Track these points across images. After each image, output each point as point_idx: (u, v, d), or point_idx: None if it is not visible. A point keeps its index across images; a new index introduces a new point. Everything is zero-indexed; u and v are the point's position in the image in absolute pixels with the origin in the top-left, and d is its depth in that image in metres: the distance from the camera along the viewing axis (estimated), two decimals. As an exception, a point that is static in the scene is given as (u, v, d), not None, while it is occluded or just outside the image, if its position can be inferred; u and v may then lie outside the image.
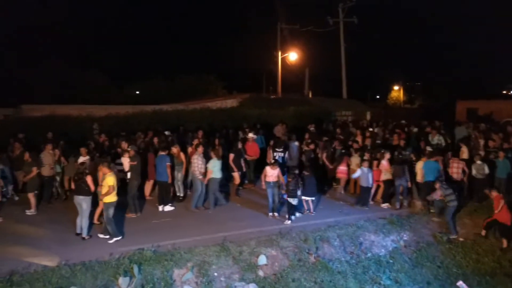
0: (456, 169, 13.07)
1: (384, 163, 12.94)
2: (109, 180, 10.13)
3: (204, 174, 12.49)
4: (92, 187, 10.31)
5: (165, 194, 12.65)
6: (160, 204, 12.56)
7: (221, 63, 51.34)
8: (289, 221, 11.52)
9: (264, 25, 42.38)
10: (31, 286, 7.80)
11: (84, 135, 16.62)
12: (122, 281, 8.10)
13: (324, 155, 14.78)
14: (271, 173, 11.90)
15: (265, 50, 39.62)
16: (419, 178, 12.92)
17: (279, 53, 36.02)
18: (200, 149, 12.79)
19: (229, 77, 47.78)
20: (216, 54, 55.64)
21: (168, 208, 12.49)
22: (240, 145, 14.46)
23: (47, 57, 42.68)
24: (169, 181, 12.52)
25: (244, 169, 14.27)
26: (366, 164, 12.78)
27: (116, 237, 10.17)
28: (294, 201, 11.64)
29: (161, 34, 62.05)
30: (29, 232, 10.64)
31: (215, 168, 12.41)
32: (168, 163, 12.37)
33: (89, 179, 10.29)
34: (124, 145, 13.37)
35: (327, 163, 14.72)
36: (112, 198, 10.20)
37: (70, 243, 9.95)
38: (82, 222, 10.28)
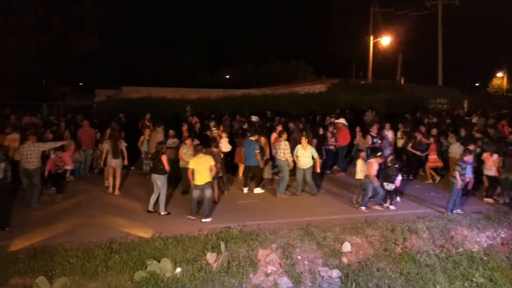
0: None
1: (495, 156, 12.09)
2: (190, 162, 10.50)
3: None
4: (167, 167, 10.68)
5: (254, 177, 12.84)
6: (245, 187, 12.84)
7: (311, 47, 50.87)
8: (392, 206, 11.47)
9: (355, 9, 41.17)
10: (128, 254, 8.37)
11: (178, 116, 17.42)
12: (210, 256, 8.45)
13: (410, 145, 14.19)
14: (377, 166, 11.31)
15: (356, 34, 38.61)
16: None
17: (371, 38, 34.88)
18: (285, 135, 12.83)
19: (318, 62, 47.23)
20: (305, 38, 55.16)
21: (258, 190, 12.72)
22: (322, 131, 14.22)
23: (146, 42, 45.22)
24: (261, 165, 12.63)
25: (324, 157, 13.93)
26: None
27: (191, 215, 10.57)
28: (390, 186, 11.40)
29: (251, 19, 62.64)
30: (127, 204, 11.50)
31: (315, 155, 12.32)
32: (257, 151, 12.47)
33: (164, 159, 10.66)
34: (220, 129, 13.84)
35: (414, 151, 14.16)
36: (196, 181, 10.40)
37: (163, 217, 10.58)
38: (159, 199, 10.75)
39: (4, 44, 24.83)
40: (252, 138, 12.71)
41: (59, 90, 33.75)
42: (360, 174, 11.61)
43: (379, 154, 11.63)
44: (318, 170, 12.52)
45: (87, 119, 14.96)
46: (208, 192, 10.44)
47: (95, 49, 30.57)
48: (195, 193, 10.48)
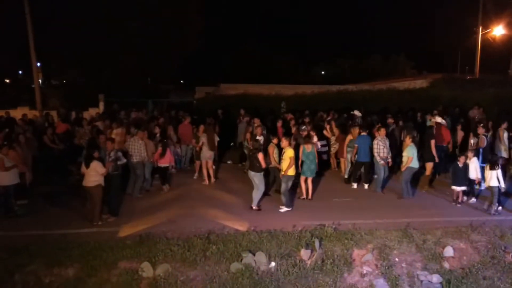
0: None
1: None
2: (289, 152, 10.60)
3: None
4: (263, 164, 10.76)
5: (364, 173, 12.75)
6: (355, 182, 12.83)
7: (411, 42, 48.59)
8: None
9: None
10: (225, 246, 8.64)
11: (273, 113, 17.61)
12: (304, 252, 8.44)
13: None
14: None
15: (462, 26, 36.11)
16: None
17: (480, 29, 32.40)
18: (383, 131, 12.40)
19: (419, 56, 44.99)
20: (406, 32, 52.78)
21: (354, 185, 12.73)
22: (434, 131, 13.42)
23: (244, 40, 46.32)
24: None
25: (437, 159, 12.85)
26: None
27: (287, 207, 10.77)
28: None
29: (348, 14, 61.39)
30: (224, 197, 11.91)
31: (414, 156, 11.62)
32: (370, 145, 12.38)
33: (260, 156, 10.74)
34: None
35: None
36: (292, 171, 10.67)
37: (257, 212, 10.78)
38: (253, 194, 10.90)
39: (114, 45, 26.89)
40: (365, 133, 12.58)
41: (162, 88, 35.81)
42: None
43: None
44: (402, 168, 11.82)
45: (188, 115, 15.71)
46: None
47: (196, 49, 31.89)
48: (289, 185, 10.85)
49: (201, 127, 13.46)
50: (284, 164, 10.70)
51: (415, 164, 11.67)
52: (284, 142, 10.88)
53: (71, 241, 8.69)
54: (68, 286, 7.83)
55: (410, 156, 11.57)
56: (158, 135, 13.34)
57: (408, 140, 11.81)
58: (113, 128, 13.71)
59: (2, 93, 34.46)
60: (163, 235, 9.05)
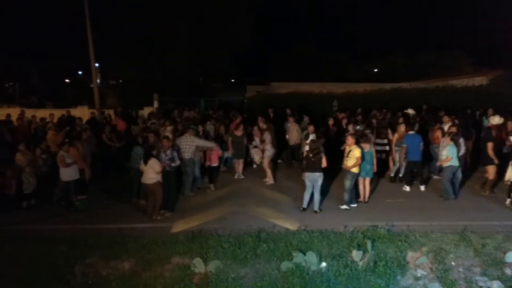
0: None
1: None
2: (356, 152, 10.48)
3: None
4: (325, 164, 10.57)
5: (414, 173, 12.38)
6: (408, 185, 12.38)
7: (470, 36, 46.47)
8: None
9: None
10: (275, 245, 8.62)
11: (324, 111, 17.44)
12: (356, 253, 8.28)
13: None
14: None
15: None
16: None
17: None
18: (454, 129, 11.91)
19: (479, 52, 42.92)
20: (463, 26, 50.55)
21: (407, 188, 12.33)
22: (494, 132, 12.77)
23: (295, 38, 46.17)
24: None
25: (496, 162, 12.03)
26: None
27: (347, 205, 10.69)
28: None
29: (401, 8, 59.50)
30: (274, 196, 11.92)
31: (454, 155, 11.17)
32: (421, 143, 12.07)
33: (323, 156, 10.57)
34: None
35: None
36: (357, 169, 10.59)
37: (308, 211, 10.67)
38: (315, 197, 10.69)
39: (167, 45, 27.61)
40: (413, 132, 12.28)
41: (213, 87, 36.33)
42: None
43: None
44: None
45: (240, 114, 15.86)
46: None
47: (247, 48, 32.09)
48: (353, 182, 10.80)
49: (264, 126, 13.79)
50: (349, 162, 10.59)
51: (455, 162, 11.23)
52: (351, 141, 10.69)
53: (127, 235, 8.97)
54: (124, 279, 8.09)
55: (449, 156, 11.13)
56: (201, 133, 13.55)
57: (447, 139, 11.36)
58: (166, 126, 14.05)
59: (63, 93, 36.29)
60: (214, 232, 9.16)
